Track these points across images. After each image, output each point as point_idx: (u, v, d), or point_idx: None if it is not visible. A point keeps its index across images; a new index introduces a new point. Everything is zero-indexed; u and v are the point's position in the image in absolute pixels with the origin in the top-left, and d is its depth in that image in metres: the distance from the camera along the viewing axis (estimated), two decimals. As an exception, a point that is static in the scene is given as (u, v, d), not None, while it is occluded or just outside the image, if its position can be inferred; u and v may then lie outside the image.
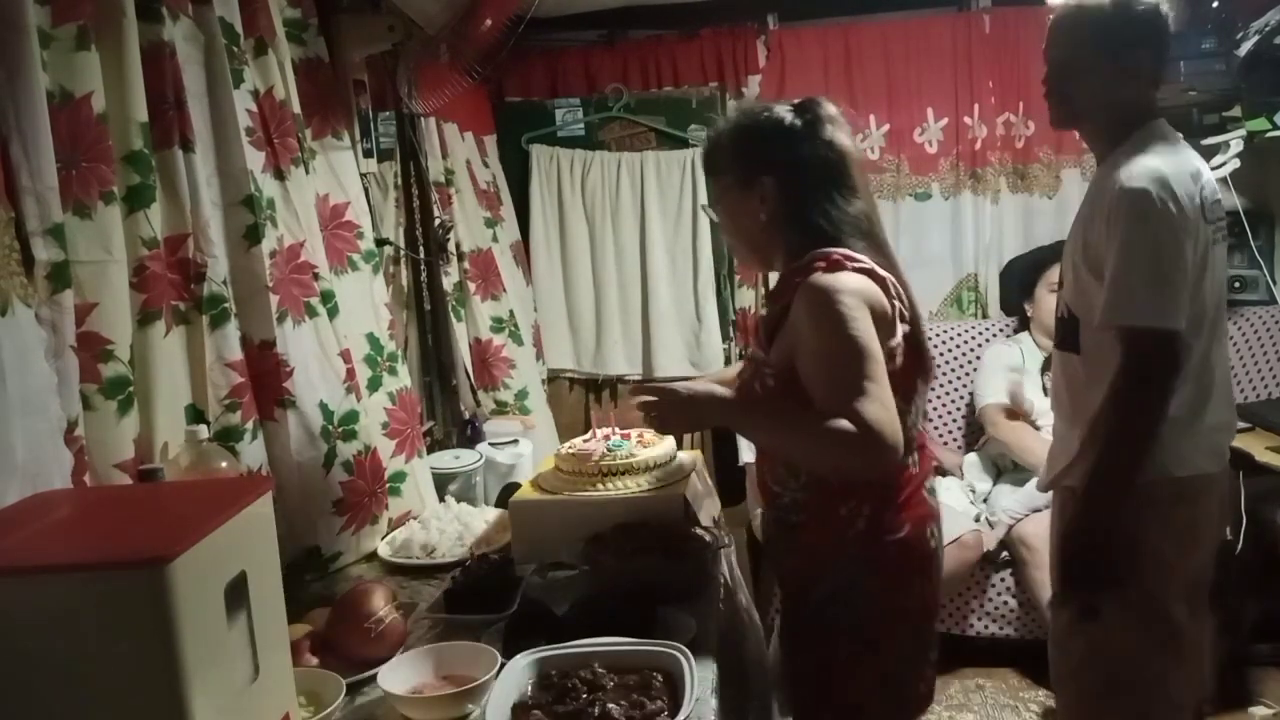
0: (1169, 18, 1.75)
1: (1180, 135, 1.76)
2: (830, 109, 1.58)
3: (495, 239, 3.18)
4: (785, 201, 1.56)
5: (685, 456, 2.00)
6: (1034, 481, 2.88)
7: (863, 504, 1.52)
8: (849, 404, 1.39)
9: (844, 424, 1.39)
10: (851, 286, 1.46)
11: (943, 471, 3.22)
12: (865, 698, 1.57)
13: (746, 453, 3.06)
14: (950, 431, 3.44)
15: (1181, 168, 1.66)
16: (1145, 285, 1.60)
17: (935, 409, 3.43)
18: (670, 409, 1.57)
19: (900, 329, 1.52)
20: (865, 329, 1.44)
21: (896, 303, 1.52)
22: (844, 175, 1.56)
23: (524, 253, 3.51)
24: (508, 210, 3.42)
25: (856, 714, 1.58)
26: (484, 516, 2.03)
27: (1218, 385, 1.74)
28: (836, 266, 1.49)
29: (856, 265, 1.50)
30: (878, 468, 1.46)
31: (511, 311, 3.16)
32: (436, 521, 1.99)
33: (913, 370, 1.55)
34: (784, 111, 1.59)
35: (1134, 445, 1.64)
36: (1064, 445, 1.83)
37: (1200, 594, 1.79)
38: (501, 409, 3.00)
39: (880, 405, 1.40)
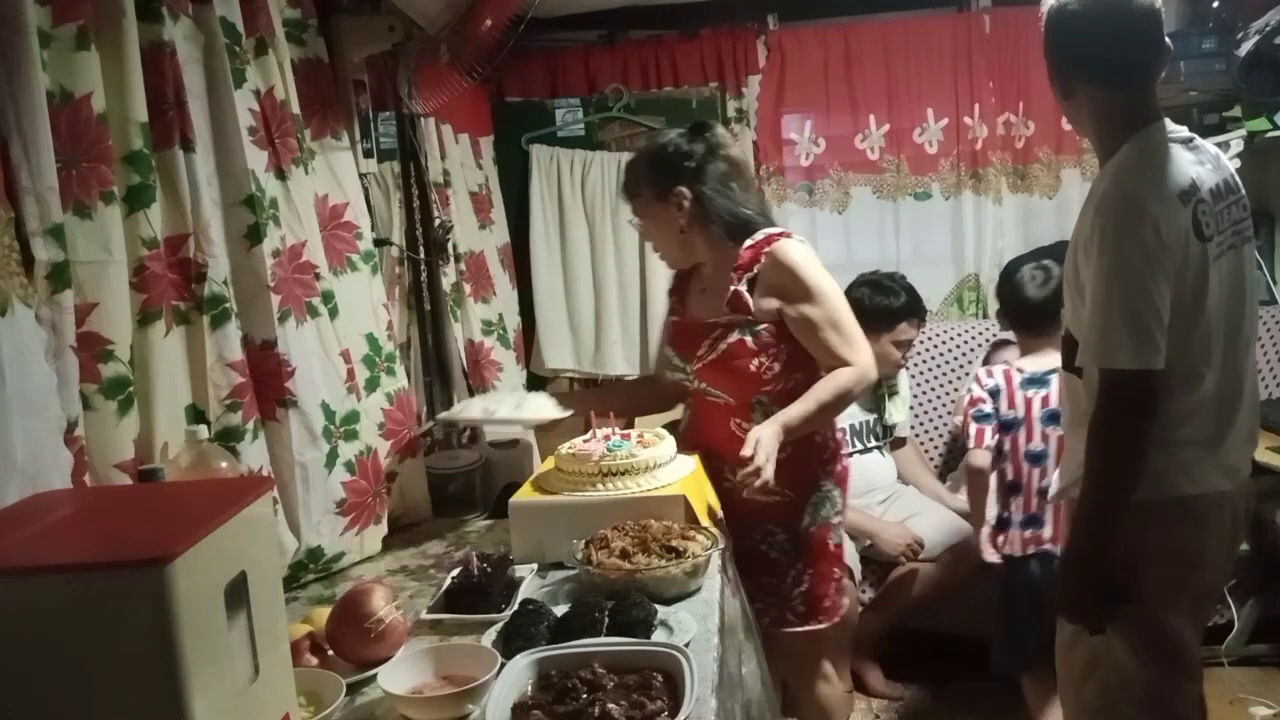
0: (1149, 9, 1.61)
1: (1181, 139, 1.65)
2: (717, 129, 2.03)
3: (483, 242, 3.18)
4: (697, 204, 1.96)
5: (685, 457, 2.00)
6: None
7: (825, 430, 2.03)
8: (836, 349, 1.91)
9: (843, 378, 1.89)
10: (808, 251, 1.97)
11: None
12: (837, 583, 2.08)
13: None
14: (949, 431, 3.44)
15: (1167, 187, 1.56)
16: (1118, 326, 1.54)
17: (935, 408, 3.43)
18: (769, 453, 1.79)
19: None
20: (831, 281, 1.95)
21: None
22: (739, 177, 2.00)
23: (511, 256, 3.50)
24: (498, 213, 3.42)
25: (836, 597, 2.06)
26: (538, 400, 2.18)
27: (1244, 406, 1.69)
28: (785, 237, 1.96)
29: (797, 237, 1.99)
30: (868, 389, 2.00)
31: (500, 315, 3.17)
32: (495, 395, 2.21)
33: None
34: (680, 133, 2.01)
35: (1113, 481, 1.61)
36: (1072, 458, 1.79)
37: (1208, 609, 1.77)
38: None
39: (858, 339, 1.93)
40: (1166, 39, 1.65)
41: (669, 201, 1.98)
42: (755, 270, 1.94)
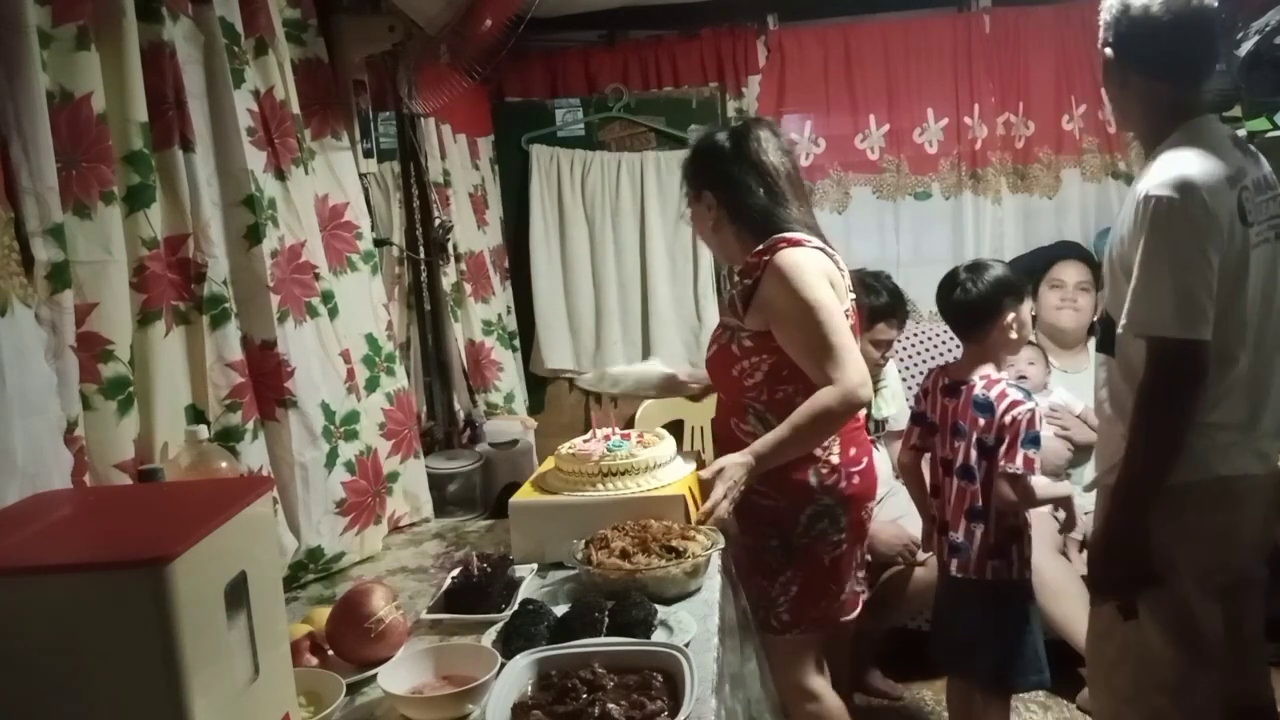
0: (1208, 7, 1.66)
1: (1228, 132, 1.71)
2: (761, 131, 1.96)
3: (482, 242, 3.18)
4: (722, 206, 1.96)
5: (685, 459, 2.00)
6: None
7: (833, 442, 1.91)
8: (821, 365, 1.81)
9: (822, 399, 1.79)
10: (810, 261, 1.86)
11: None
12: (831, 596, 1.97)
13: None
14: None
15: (1215, 171, 1.61)
16: (1166, 295, 1.57)
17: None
18: (728, 485, 1.79)
19: (849, 298, 1.94)
20: (825, 292, 1.84)
21: (845, 276, 1.95)
22: (769, 183, 1.93)
23: (502, 258, 3.50)
24: (491, 214, 3.41)
25: (824, 610, 1.97)
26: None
27: (1276, 393, 1.70)
28: (795, 245, 1.88)
29: (811, 245, 1.90)
30: (859, 409, 1.85)
31: (499, 315, 3.17)
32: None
33: (857, 330, 1.96)
34: (720, 135, 1.98)
35: (1156, 454, 1.62)
36: (1106, 445, 1.81)
37: (1247, 597, 1.76)
38: (492, 410, 3.00)
39: (846, 356, 1.80)
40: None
41: (701, 201, 1.99)
42: (754, 277, 1.89)
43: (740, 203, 1.93)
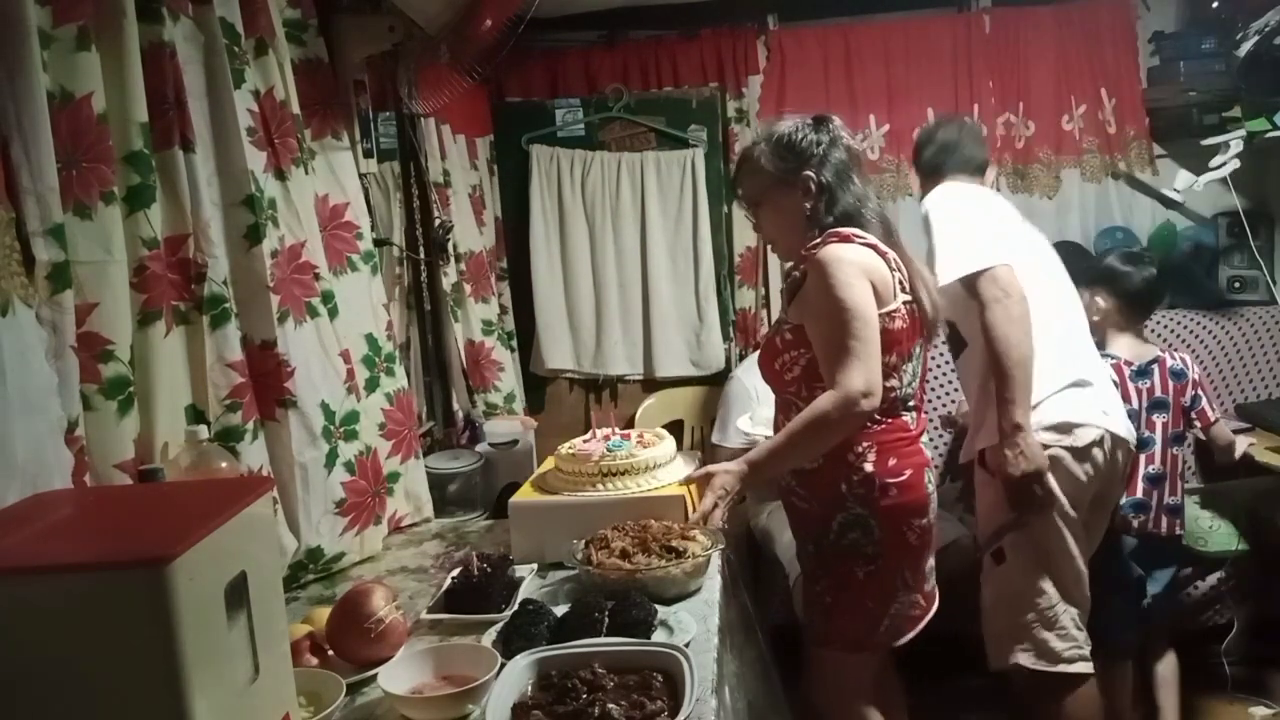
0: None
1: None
2: (837, 120, 1.92)
3: (480, 243, 3.18)
4: (821, 191, 1.85)
5: (685, 457, 2.00)
6: None
7: (868, 450, 1.81)
8: (830, 366, 1.75)
9: (819, 403, 1.73)
10: (852, 257, 1.78)
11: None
12: (868, 616, 1.85)
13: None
14: (948, 431, 3.43)
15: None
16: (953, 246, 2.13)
17: (934, 408, 3.43)
18: (718, 494, 1.78)
19: (900, 298, 1.82)
20: (858, 293, 1.74)
21: (896, 274, 1.83)
22: (855, 170, 1.89)
23: (496, 259, 3.50)
24: (489, 215, 3.41)
25: (860, 629, 1.86)
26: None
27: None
28: (844, 240, 1.80)
29: (862, 240, 1.81)
30: (863, 418, 1.76)
31: (498, 314, 3.17)
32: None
33: (912, 334, 1.85)
34: (806, 123, 1.90)
35: (1022, 353, 2.04)
36: (973, 421, 2.22)
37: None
38: (492, 411, 3.00)
39: (856, 361, 1.72)
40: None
41: (795, 185, 1.86)
42: (802, 270, 1.84)
43: (839, 188, 1.86)
